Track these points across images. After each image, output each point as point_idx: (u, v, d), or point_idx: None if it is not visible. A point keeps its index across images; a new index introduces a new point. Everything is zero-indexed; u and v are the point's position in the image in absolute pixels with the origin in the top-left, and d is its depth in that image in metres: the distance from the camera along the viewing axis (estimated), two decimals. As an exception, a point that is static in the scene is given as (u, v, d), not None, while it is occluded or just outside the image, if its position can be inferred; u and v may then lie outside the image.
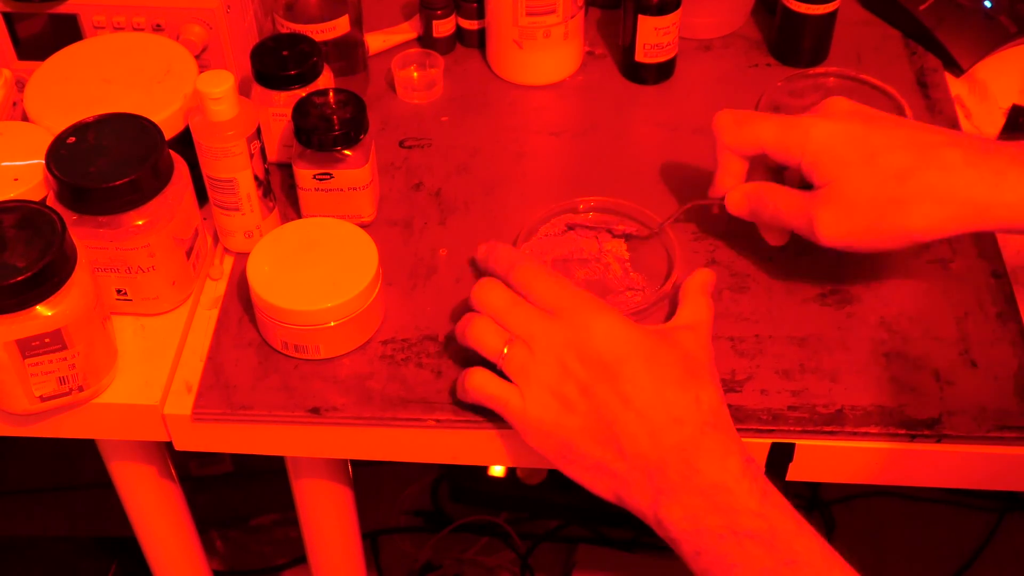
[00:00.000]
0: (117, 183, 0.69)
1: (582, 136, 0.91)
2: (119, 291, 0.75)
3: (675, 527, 0.61)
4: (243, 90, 0.79)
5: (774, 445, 0.71)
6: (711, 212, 0.80)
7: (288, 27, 0.87)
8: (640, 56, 0.93)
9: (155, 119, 0.73)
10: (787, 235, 0.75)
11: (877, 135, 0.68)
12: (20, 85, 0.83)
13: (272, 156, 0.84)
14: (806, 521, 0.61)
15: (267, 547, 1.53)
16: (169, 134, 0.75)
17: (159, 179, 0.71)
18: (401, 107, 0.93)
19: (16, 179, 0.73)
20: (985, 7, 0.96)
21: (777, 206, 0.72)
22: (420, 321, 0.76)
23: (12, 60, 0.87)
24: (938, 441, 0.70)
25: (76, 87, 0.79)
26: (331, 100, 0.79)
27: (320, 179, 0.79)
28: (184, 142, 0.77)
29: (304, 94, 0.80)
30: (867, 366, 0.73)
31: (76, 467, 1.52)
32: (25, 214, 0.67)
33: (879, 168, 0.67)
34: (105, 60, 0.81)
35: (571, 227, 0.81)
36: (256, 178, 0.77)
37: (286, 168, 0.83)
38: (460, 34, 0.98)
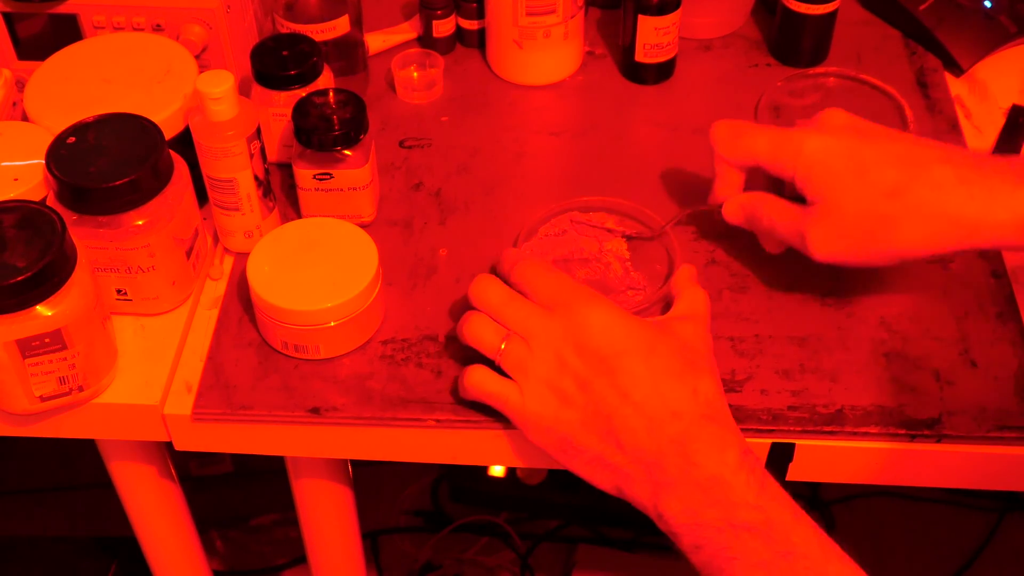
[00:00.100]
0: (117, 183, 0.69)
1: (582, 136, 0.91)
2: (119, 291, 0.75)
3: (675, 520, 0.61)
4: (243, 90, 0.79)
5: (774, 445, 0.71)
6: (711, 217, 0.80)
7: (288, 27, 0.87)
8: (640, 56, 0.93)
9: (155, 119, 0.73)
10: (784, 245, 0.75)
11: (869, 150, 0.68)
12: (20, 85, 0.83)
13: (272, 156, 0.84)
14: (804, 512, 0.61)
15: (267, 547, 1.53)
16: (169, 134, 0.75)
17: (159, 179, 0.71)
18: (401, 107, 0.93)
19: (16, 179, 0.73)
20: (985, 7, 0.96)
21: (771, 219, 0.72)
22: (420, 321, 0.76)
23: (12, 60, 0.87)
24: (938, 441, 0.70)
25: (76, 87, 0.79)
26: (331, 100, 0.79)
27: (320, 179, 0.79)
28: (184, 142, 0.77)
29: (304, 94, 0.80)
30: (867, 366, 0.73)
31: (76, 467, 1.52)
32: (25, 214, 0.67)
33: (870, 184, 0.67)
34: (105, 60, 0.81)
35: (575, 222, 0.81)
36: (256, 178, 0.77)
37: (286, 168, 0.83)
38: (460, 34, 0.98)
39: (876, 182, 0.67)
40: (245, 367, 0.74)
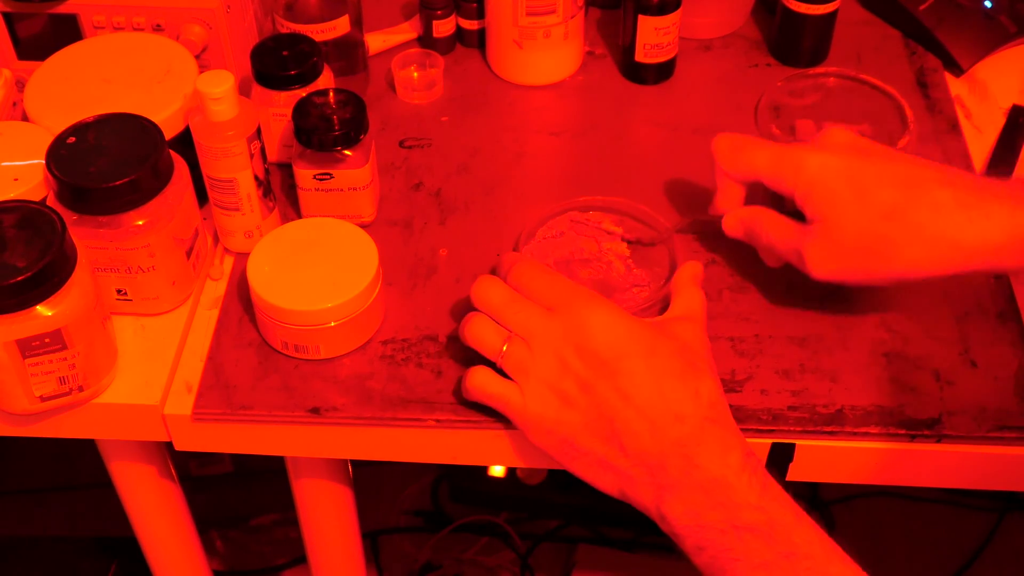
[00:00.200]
0: (117, 183, 0.69)
1: (582, 136, 0.91)
2: (119, 291, 0.75)
3: (678, 522, 0.62)
4: (243, 90, 0.79)
5: (774, 445, 0.71)
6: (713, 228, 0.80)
7: (288, 27, 0.87)
8: (640, 56, 0.93)
9: (155, 119, 0.73)
10: (782, 260, 0.75)
11: (869, 170, 0.68)
12: (20, 85, 0.83)
13: (272, 156, 0.84)
14: (805, 514, 0.61)
15: (267, 547, 1.53)
16: (169, 134, 0.75)
17: (159, 179, 0.71)
18: (401, 107, 0.93)
19: (16, 179, 0.73)
20: (985, 7, 0.96)
21: (770, 236, 0.72)
22: (420, 321, 0.76)
23: (12, 60, 0.87)
24: (938, 441, 0.70)
25: (76, 87, 0.79)
26: (331, 100, 0.79)
27: (320, 179, 0.79)
28: (184, 142, 0.77)
29: (304, 94, 0.80)
30: (867, 366, 0.73)
31: (76, 467, 1.52)
32: (25, 214, 0.67)
33: (869, 205, 0.67)
34: (105, 60, 0.81)
35: (574, 223, 0.81)
36: (256, 178, 0.77)
37: (286, 168, 0.83)
38: (460, 34, 0.98)
39: (875, 203, 0.67)
40: (245, 367, 0.74)
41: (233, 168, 0.75)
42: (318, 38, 0.86)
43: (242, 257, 0.79)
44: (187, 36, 0.84)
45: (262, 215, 0.79)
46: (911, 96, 0.92)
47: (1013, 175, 0.86)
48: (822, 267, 0.69)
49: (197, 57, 0.83)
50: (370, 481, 1.48)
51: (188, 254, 0.76)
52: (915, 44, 0.98)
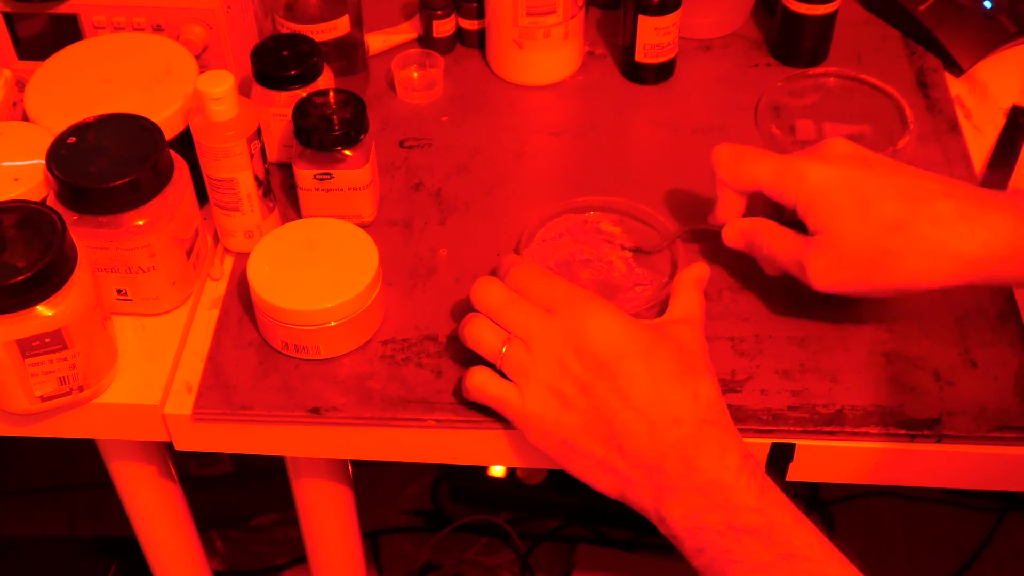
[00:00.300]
0: (117, 183, 0.69)
1: (582, 136, 0.91)
2: (119, 291, 0.75)
3: (676, 524, 0.62)
4: (243, 90, 0.79)
5: (774, 445, 0.71)
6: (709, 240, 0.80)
7: (288, 27, 0.87)
8: (640, 56, 0.93)
9: (155, 119, 0.73)
10: (782, 270, 0.75)
11: (871, 182, 0.68)
12: (20, 85, 0.83)
13: (272, 156, 0.84)
14: (804, 515, 0.61)
15: (267, 547, 1.53)
16: (169, 134, 0.75)
17: (159, 179, 0.71)
18: (401, 107, 0.93)
19: (16, 179, 0.73)
20: (985, 7, 0.96)
21: (771, 247, 0.72)
22: (420, 321, 0.76)
23: (12, 60, 0.87)
24: (938, 441, 0.70)
25: (76, 87, 0.79)
26: (331, 100, 0.79)
27: (320, 179, 0.79)
28: (184, 142, 0.77)
29: (304, 94, 0.80)
30: (867, 366, 0.73)
31: (76, 467, 1.52)
32: (25, 214, 0.67)
33: (871, 217, 0.67)
34: (105, 60, 0.81)
35: (574, 224, 0.81)
36: (256, 178, 0.77)
37: (286, 168, 0.83)
38: (460, 34, 0.98)
39: (877, 215, 0.67)
40: (245, 367, 0.74)
41: (233, 168, 0.75)
42: (318, 38, 0.86)
43: (242, 257, 0.79)
44: (187, 36, 0.84)
45: (262, 215, 0.79)
46: (911, 96, 0.92)
47: (1010, 185, 0.85)
48: (824, 279, 0.69)
49: (197, 57, 0.83)
50: (370, 481, 1.48)
51: (188, 254, 0.76)
52: (915, 44, 0.98)
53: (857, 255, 0.68)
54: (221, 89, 0.72)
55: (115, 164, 0.70)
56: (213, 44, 0.85)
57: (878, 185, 0.68)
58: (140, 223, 0.71)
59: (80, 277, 0.67)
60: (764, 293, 0.78)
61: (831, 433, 0.70)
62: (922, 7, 0.97)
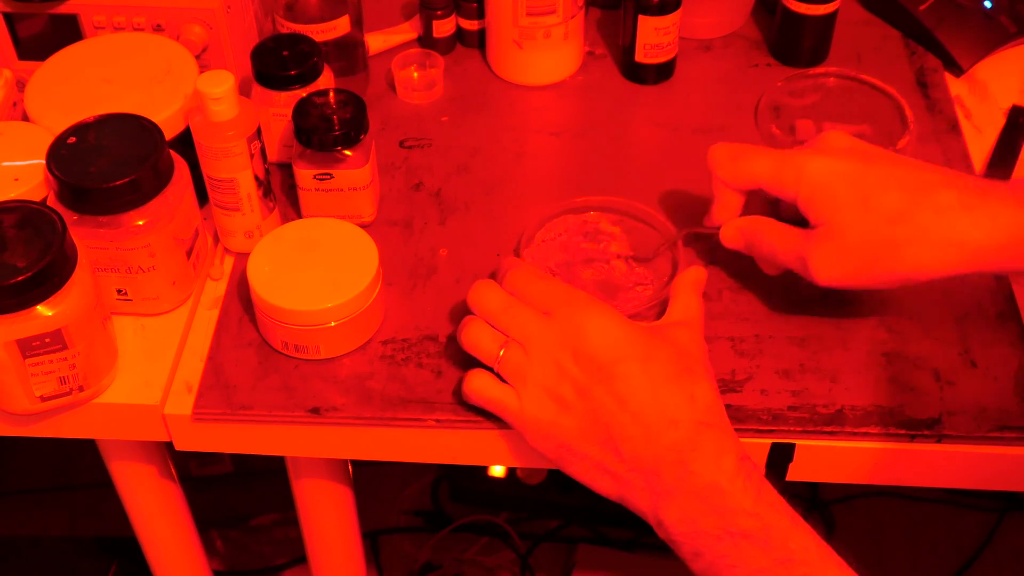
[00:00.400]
0: (117, 183, 0.69)
1: (582, 136, 0.91)
2: (119, 291, 0.75)
3: (674, 528, 0.62)
4: (243, 90, 0.79)
5: (774, 445, 0.71)
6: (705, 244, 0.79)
7: (288, 27, 0.87)
8: (640, 56, 0.93)
9: (155, 119, 0.73)
10: (782, 268, 0.75)
11: (872, 174, 0.68)
12: (20, 85, 0.83)
13: (272, 156, 0.84)
14: (801, 519, 0.61)
15: (267, 547, 1.53)
16: (169, 134, 0.75)
17: (159, 179, 0.71)
18: (401, 107, 0.93)
19: (16, 179, 0.73)
20: (985, 7, 0.96)
21: (772, 244, 0.72)
22: (420, 321, 0.76)
23: (12, 60, 0.87)
24: (938, 441, 0.70)
25: (76, 87, 0.79)
26: (331, 100, 0.79)
27: (320, 179, 0.79)
28: (184, 142, 0.77)
29: (304, 94, 0.80)
30: (867, 366, 0.73)
31: (76, 467, 1.52)
32: (25, 214, 0.67)
33: (873, 209, 0.67)
34: (105, 60, 0.82)
35: (573, 225, 0.81)
36: (256, 178, 0.77)
37: (286, 168, 0.83)
38: (460, 34, 0.98)
39: (879, 207, 0.67)
40: (245, 367, 0.74)
41: (233, 168, 0.75)
42: (318, 38, 0.86)
43: (242, 257, 0.79)
44: (187, 36, 0.84)
45: (262, 215, 0.79)
46: (911, 96, 0.92)
47: (1013, 176, 0.86)
48: (827, 272, 0.69)
49: (197, 57, 0.83)
50: (370, 481, 1.48)
51: (188, 254, 0.76)
52: (915, 44, 0.98)
53: (860, 247, 0.68)
54: (221, 89, 0.72)
55: (115, 164, 0.70)
56: (213, 44, 0.85)
57: (879, 177, 0.68)
58: (140, 223, 0.71)
59: (80, 277, 0.67)
60: (764, 293, 0.78)
61: (831, 433, 0.70)
62: (922, 7, 0.97)
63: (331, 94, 0.79)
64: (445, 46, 0.98)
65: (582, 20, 0.94)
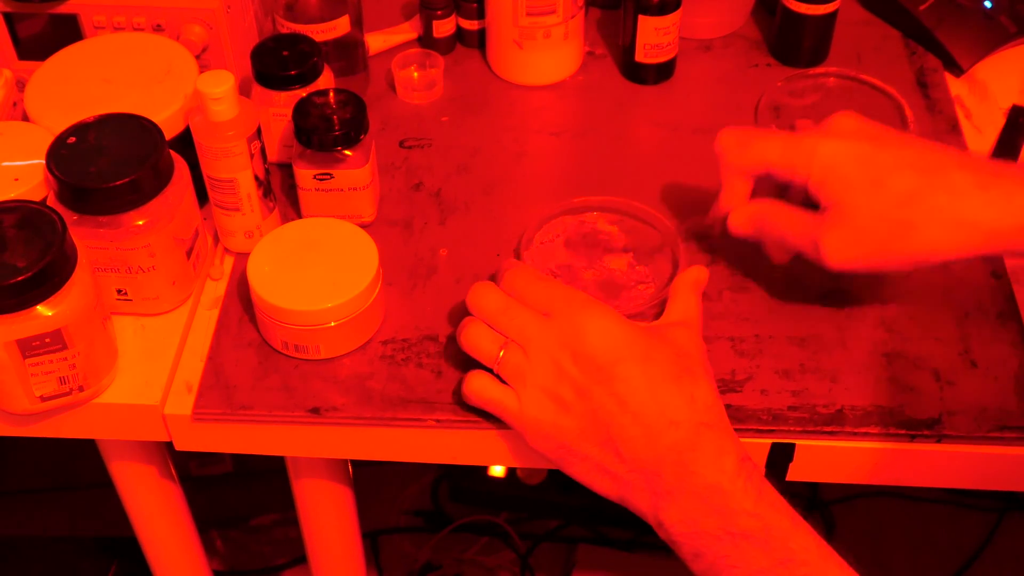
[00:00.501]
0: (117, 183, 0.69)
1: (582, 136, 0.91)
2: (119, 291, 0.75)
3: (674, 529, 0.62)
4: (243, 90, 0.79)
5: (774, 445, 0.71)
6: (714, 232, 0.79)
7: (288, 27, 0.87)
8: (640, 56, 0.93)
9: (155, 119, 0.73)
10: (791, 254, 0.75)
11: (884, 155, 0.67)
12: (20, 85, 0.83)
13: (272, 156, 0.84)
14: (802, 519, 0.61)
15: (267, 547, 1.53)
16: (169, 134, 0.75)
17: (159, 179, 0.71)
18: (401, 107, 0.93)
19: (16, 179, 0.73)
20: (985, 7, 0.96)
21: (782, 229, 0.71)
22: (420, 321, 0.76)
23: (12, 60, 0.87)
24: (938, 441, 0.70)
25: (76, 87, 0.79)
26: (331, 100, 0.79)
27: (320, 179, 0.79)
28: (184, 142, 0.77)
29: (304, 94, 0.80)
30: (867, 366, 0.73)
31: (76, 467, 1.52)
32: (25, 214, 0.67)
33: (886, 191, 0.66)
34: (105, 60, 0.82)
35: (571, 227, 0.81)
36: (256, 178, 0.77)
37: (286, 168, 0.83)
38: (460, 34, 0.98)
39: (892, 188, 0.66)
40: (245, 367, 0.74)
41: (233, 168, 0.75)
42: (318, 38, 0.86)
43: (242, 257, 0.79)
44: (187, 36, 0.84)
45: (262, 215, 0.79)
46: (911, 96, 0.92)
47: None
48: (839, 255, 0.68)
49: (197, 57, 0.83)
50: (370, 481, 1.48)
51: (188, 254, 0.76)
52: (915, 44, 0.98)
53: (872, 229, 0.67)
54: (221, 89, 0.72)
55: (115, 164, 0.70)
56: (213, 44, 0.85)
57: (891, 158, 0.67)
58: (140, 223, 0.71)
59: (80, 277, 0.67)
60: (764, 293, 0.78)
61: (831, 433, 0.70)
62: (922, 7, 0.97)
63: (331, 94, 0.79)
64: (445, 46, 0.98)
65: (582, 20, 0.94)
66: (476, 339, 0.68)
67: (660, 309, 0.74)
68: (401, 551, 1.52)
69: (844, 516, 1.51)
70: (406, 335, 0.76)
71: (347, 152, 0.78)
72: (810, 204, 0.70)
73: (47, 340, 0.66)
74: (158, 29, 0.85)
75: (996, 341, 0.74)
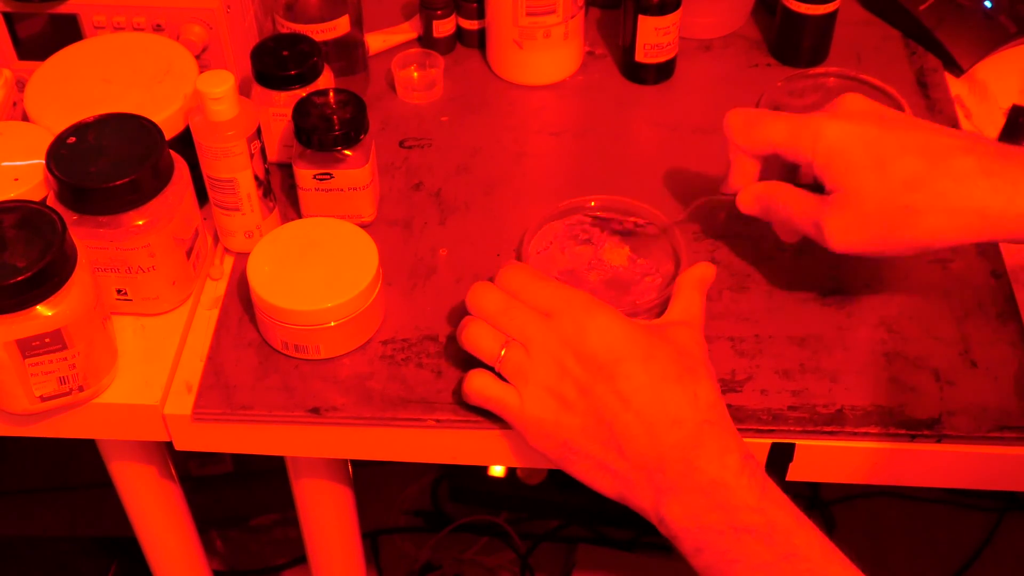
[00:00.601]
0: (117, 183, 0.69)
1: (582, 136, 0.91)
2: (119, 291, 0.75)
3: (676, 525, 0.61)
4: (243, 90, 0.79)
5: (774, 445, 0.71)
6: (721, 212, 0.79)
7: (288, 27, 0.87)
8: (640, 56, 0.93)
9: (155, 119, 0.73)
10: (799, 234, 0.74)
11: (890, 138, 0.67)
12: (20, 85, 0.83)
13: (272, 156, 0.84)
14: (805, 516, 0.61)
15: (267, 547, 1.53)
16: (169, 134, 0.75)
17: (159, 179, 0.71)
18: (401, 107, 0.93)
19: (16, 179, 0.73)
20: (985, 7, 0.96)
21: (788, 209, 0.71)
22: (420, 321, 0.76)
23: (12, 60, 0.87)
24: (938, 441, 0.70)
25: (76, 87, 0.79)
26: (331, 100, 0.79)
27: (320, 179, 0.79)
28: (184, 142, 0.77)
29: (304, 94, 0.80)
30: (867, 366, 0.73)
31: (76, 467, 1.52)
32: (25, 214, 0.67)
33: (890, 175, 0.66)
34: (105, 60, 0.82)
35: (565, 230, 0.81)
36: (256, 178, 0.77)
37: (286, 168, 0.83)
38: (460, 34, 0.98)
39: (896, 172, 0.66)
40: (245, 367, 0.74)
41: (233, 168, 0.75)
42: (318, 38, 0.86)
43: (242, 257, 0.79)
44: (187, 36, 0.84)
45: (262, 215, 0.79)
46: (911, 96, 0.92)
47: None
48: (842, 239, 0.68)
49: (197, 57, 0.83)
50: (370, 481, 1.48)
51: (188, 254, 0.76)
52: (915, 44, 0.98)
53: (875, 213, 0.67)
54: (221, 89, 0.72)
55: (115, 164, 0.70)
56: (213, 44, 0.85)
57: (896, 141, 0.67)
58: (140, 223, 0.71)
59: (80, 277, 0.67)
60: (764, 293, 0.78)
61: (831, 433, 0.70)
62: (922, 7, 0.97)
63: (331, 94, 0.79)
64: (445, 46, 0.98)
65: (582, 20, 0.94)
66: (477, 338, 0.68)
67: (663, 307, 0.74)
68: (401, 551, 1.52)
69: (844, 516, 1.51)
70: (406, 335, 0.76)
71: (347, 152, 0.78)
72: (819, 186, 0.70)
73: (47, 340, 0.66)
74: (158, 29, 0.85)
75: (996, 341, 0.74)
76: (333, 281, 0.72)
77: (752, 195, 0.74)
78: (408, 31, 0.99)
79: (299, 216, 0.82)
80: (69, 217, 0.69)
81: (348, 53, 0.91)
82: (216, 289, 0.79)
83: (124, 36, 0.85)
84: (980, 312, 0.76)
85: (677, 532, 0.62)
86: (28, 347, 0.66)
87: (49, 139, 0.72)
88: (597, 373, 0.63)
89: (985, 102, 0.93)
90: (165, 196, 0.71)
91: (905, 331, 0.75)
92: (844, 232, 0.68)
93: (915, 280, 0.78)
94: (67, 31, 0.85)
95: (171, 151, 0.73)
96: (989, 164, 0.65)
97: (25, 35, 0.87)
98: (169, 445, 0.76)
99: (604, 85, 0.95)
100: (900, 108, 0.90)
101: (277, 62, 0.81)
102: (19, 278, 0.63)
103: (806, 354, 0.74)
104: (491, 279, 0.71)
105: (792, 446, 0.71)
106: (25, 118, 0.79)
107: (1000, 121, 0.90)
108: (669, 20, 0.91)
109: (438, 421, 0.71)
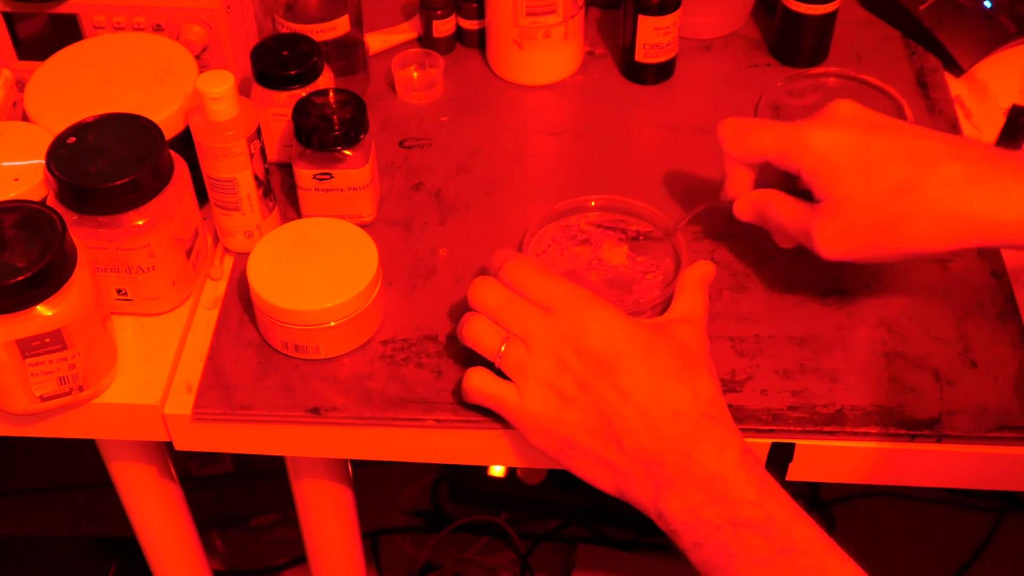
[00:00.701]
0: (117, 183, 0.69)
1: (582, 136, 0.91)
2: (119, 291, 0.75)
3: (675, 519, 0.62)
4: (243, 90, 0.79)
5: (774, 445, 0.71)
6: (723, 215, 0.79)
7: (288, 27, 0.87)
8: (640, 56, 0.93)
9: (155, 119, 0.73)
10: (795, 241, 0.75)
11: (877, 145, 0.67)
12: (20, 85, 0.83)
13: (272, 156, 0.84)
14: (804, 511, 0.61)
15: (267, 547, 1.53)
16: (169, 134, 0.75)
17: (159, 179, 0.71)
18: (401, 107, 0.93)
19: (16, 179, 0.73)
20: (985, 7, 0.96)
21: (780, 217, 0.72)
22: (420, 321, 0.76)
23: (12, 60, 0.87)
24: (938, 441, 0.70)
25: (76, 87, 0.79)
26: (331, 100, 0.79)
27: (320, 179, 0.79)
28: (184, 142, 0.77)
29: (304, 94, 0.80)
30: (867, 366, 0.73)
31: (76, 467, 1.52)
32: (25, 214, 0.67)
33: (878, 182, 0.66)
34: (105, 60, 0.82)
35: (562, 232, 0.81)
36: (256, 178, 0.77)
37: (286, 168, 0.83)
38: (460, 34, 0.98)
39: (883, 179, 0.66)
40: (245, 367, 0.74)
41: (233, 168, 0.75)
42: (318, 38, 0.86)
43: (242, 257, 0.79)
44: (187, 36, 0.84)
45: (262, 215, 0.79)
46: (911, 96, 0.92)
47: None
48: (831, 246, 0.69)
49: (197, 57, 0.83)
50: (370, 481, 1.48)
51: (188, 254, 0.76)
52: (915, 44, 0.98)
53: (863, 220, 0.67)
54: (221, 89, 0.72)
55: (115, 164, 0.70)
56: (213, 44, 0.85)
57: (884, 148, 0.67)
58: (140, 223, 0.71)
59: (80, 277, 0.67)
60: (764, 293, 0.78)
61: (831, 433, 0.70)
62: (922, 7, 0.97)
63: (331, 94, 0.79)
64: (445, 46, 0.98)
65: (582, 20, 0.94)
66: (478, 333, 0.68)
67: (666, 304, 0.74)
68: (401, 551, 1.52)
69: (844, 516, 1.51)
70: (406, 335, 0.76)
71: (347, 152, 0.78)
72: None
73: (47, 340, 0.66)
74: (158, 29, 0.85)
75: (996, 341, 0.74)
76: (333, 281, 0.72)
77: (747, 203, 0.74)
78: (408, 31, 0.99)
79: (299, 216, 0.82)
80: (69, 217, 0.69)
81: (348, 53, 0.91)
82: (216, 289, 0.79)
83: (124, 36, 0.85)
84: (980, 312, 0.76)
85: (676, 526, 0.62)
86: (28, 347, 0.66)
87: (49, 139, 0.72)
88: (597, 369, 0.64)
89: (985, 102, 0.93)
90: (165, 196, 0.71)
91: (905, 331, 0.75)
92: (833, 240, 0.68)
93: (915, 280, 0.78)
94: (67, 31, 0.85)
95: (171, 151, 0.73)
96: (976, 170, 0.65)
97: (25, 35, 0.87)
98: (169, 445, 0.76)
99: (604, 85, 0.95)
100: (900, 108, 0.90)
101: (277, 62, 0.81)
102: (19, 278, 0.63)
103: (806, 354, 0.74)
104: (485, 268, 0.71)
105: (792, 446, 0.71)
106: (25, 118, 0.79)
107: (1000, 121, 0.90)
108: (669, 20, 0.91)
109: (438, 421, 0.71)
